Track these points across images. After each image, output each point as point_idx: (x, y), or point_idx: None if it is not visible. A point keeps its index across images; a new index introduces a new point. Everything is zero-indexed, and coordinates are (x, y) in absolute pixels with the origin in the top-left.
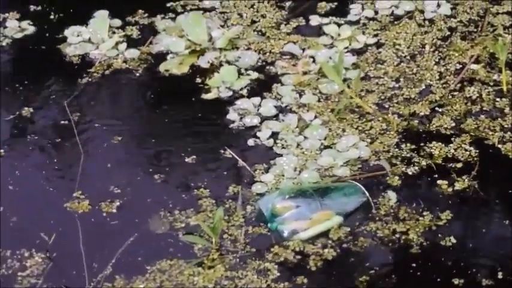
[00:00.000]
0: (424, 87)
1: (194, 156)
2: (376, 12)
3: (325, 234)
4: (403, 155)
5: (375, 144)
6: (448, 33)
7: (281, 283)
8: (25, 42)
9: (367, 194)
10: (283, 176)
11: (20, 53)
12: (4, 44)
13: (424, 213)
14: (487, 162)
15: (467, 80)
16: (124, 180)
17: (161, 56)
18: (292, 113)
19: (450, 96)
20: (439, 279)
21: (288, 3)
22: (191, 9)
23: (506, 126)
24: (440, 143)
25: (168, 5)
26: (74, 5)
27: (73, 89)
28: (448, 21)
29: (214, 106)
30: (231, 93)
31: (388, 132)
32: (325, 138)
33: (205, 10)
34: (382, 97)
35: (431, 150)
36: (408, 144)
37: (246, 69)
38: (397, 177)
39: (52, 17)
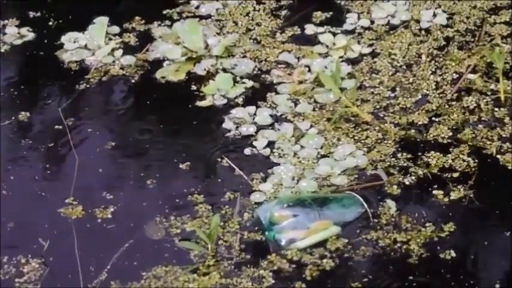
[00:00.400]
0: (420, 96)
1: (189, 164)
2: (372, 22)
3: (322, 243)
4: (400, 164)
5: (372, 153)
6: (444, 43)
7: None
8: (24, 48)
9: (366, 205)
10: (281, 185)
11: (18, 59)
12: (3, 50)
13: (426, 224)
14: (485, 172)
15: (464, 89)
16: (119, 186)
17: (157, 63)
18: (287, 122)
19: (447, 106)
20: None
21: (283, 12)
22: (187, 17)
23: (504, 136)
24: (437, 153)
25: (165, 12)
26: (74, 11)
27: (69, 95)
28: (445, 31)
29: (209, 114)
30: (225, 101)
31: (385, 142)
32: (321, 147)
33: (201, 18)
34: (378, 106)
35: (429, 159)
36: (405, 154)
37: (242, 77)
38: (394, 187)
39: (51, 23)
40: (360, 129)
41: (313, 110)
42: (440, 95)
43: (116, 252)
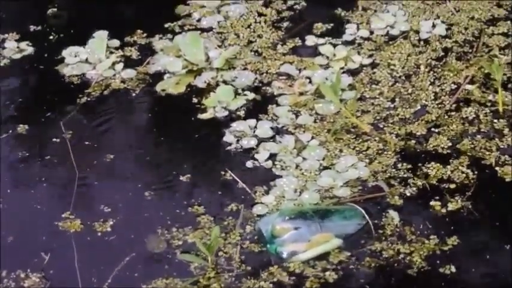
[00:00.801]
0: (419, 107)
1: (191, 176)
2: (372, 32)
3: (325, 256)
4: (401, 175)
5: (373, 164)
6: (443, 53)
7: None
8: (23, 62)
9: (368, 218)
10: (283, 197)
11: (17, 73)
12: (2, 64)
13: (430, 236)
14: (484, 183)
15: (463, 100)
16: (119, 199)
17: (158, 76)
18: (288, 134)
19: (446, 117)
20: None
21: (284, 24)
22: (189, 30)
23: (502, 147)
24: (438, 164)
25: (166, 25)
26: (74, 25)
27: (70, 108)
28: (443, 42)
29: (211, 127)
30: (227, 113)
31: (385, 153)
32: (323, 159)
33: (202, 30)
34: (378, 117)
35: (430, 171)
36: (406, 165)
37: (243, 89)
38: (396, 198)
39: (51, 37)
40: (360, 140)
41: (314, 121)
42: (439, 106)
43: (116, 265)
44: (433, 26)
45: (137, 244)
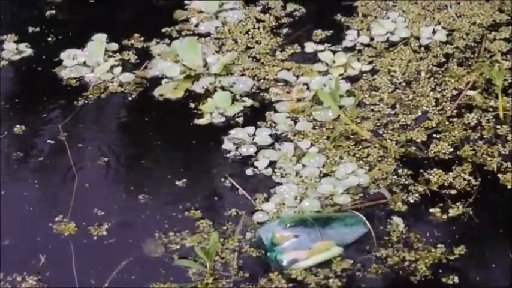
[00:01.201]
0: (420, 113)
1: (189, 183)
2: (372, 39)
3: (327, 263)
4: (402, 182)
5: (373, 171)
6: (444, 59)
7: None
8: (21, 64)
9: (369, 224)
10: (284, 204)
11: (15, 75)
12: (0, 66)
13: (432, 244)
14: (486, 190)
15: (464, 106)
16: (115, 202)
17: (156, 81)
18: (287, 141)
19: (447, 123)
20: None
21: (283, 30)
22: (187, 35)
23: (503, 152)
24: (440, 170)
25: (164, 30)
26: (73, 27)
27: (67, 111)
28: (444, 48)
29: (207, 133)
30: (224, 119)
31: (386, 159)
32: (323, 166)
33: (200, 35)
34: (378, 124)
35: (431, 177)
36: (407, 171)
37: (241, 95)
38: (398, 205)
39: (50, 39)
40: (360, 146)
41: (313, 128)
42: (440, 112)
43: (113, 270)
44: (434, 32)
45: (134, 248)
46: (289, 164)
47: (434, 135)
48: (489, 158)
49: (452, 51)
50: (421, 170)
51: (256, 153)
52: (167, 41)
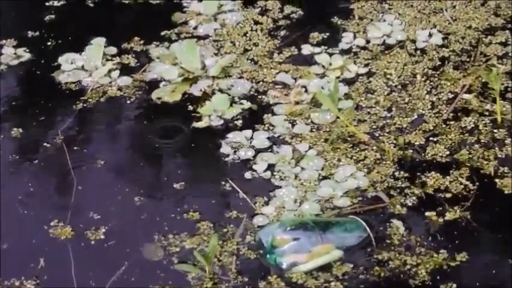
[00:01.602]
0: (416, 116)
1: (189, 186)
2: (368, 41)
3: (327, 266)
4: (400, 185)
5: (372, 174)
6: (440, 63)
7: None
8: (20, 69)
9: (368, 230)
10: (283, 208)
11: (14, 80)
12: None
13: (433, 249)
14: (483, 194)
15: (460, 109)
16: (113, 205)
17: (154, 84)
18: (286, 144)
19: (444, 126)
20: None
21: (281, 33)
22: (185, 37)
23: (500, 156)
24: (437, 174)
25: (163, 33)
26: (72, 31)
27: (66, 116)
28: (440, 51)
29: (206, 136)
30: (222, 121)
31: (384, 162)
32: (322, 169)
33: (199, 38)
34: (374, 126)
35: (429, 180)
36: (405, 175)
37: (239, 98)
38: (397, 209)
39: (49, 43)
40: (358, 149)
41: (311, 130)
42: (436, 115)
43: (111, 273)
44: (430, 35)
45: (132, 252)
46: (288, 167)
47: (431, 138)
48: (485, 162)
49: (448, 55)
50: (419, 173)
51: (254, 156)
52: (166, 44)
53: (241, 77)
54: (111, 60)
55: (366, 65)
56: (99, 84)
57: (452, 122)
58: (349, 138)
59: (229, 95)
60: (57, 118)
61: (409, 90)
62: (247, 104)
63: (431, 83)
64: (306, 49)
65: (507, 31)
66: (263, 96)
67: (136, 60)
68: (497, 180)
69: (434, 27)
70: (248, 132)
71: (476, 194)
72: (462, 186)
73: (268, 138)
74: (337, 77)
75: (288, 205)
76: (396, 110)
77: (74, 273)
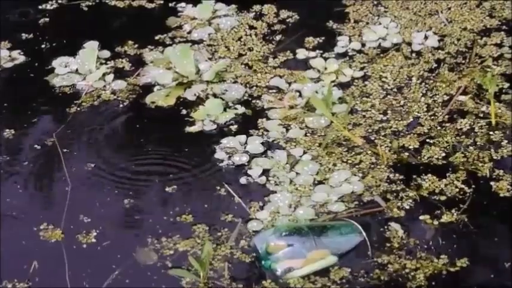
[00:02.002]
0: (412, 119)
1: (183, 190)
2: (363, 45)
3: (324, 271)
4: (396, 189)
5: (367, 178)
6: (436, 65)
7: None
8: (14, 71)
9: (364, 234)
10: (278, 213)
11: (8, 82)
12: None
13: (441, 255)
14: (479, 197)
15: (456, 111)
16: (104, 209)
17: (148, 88)
18: (280, 149)
19: (439, 128)
20: None
21: (276, 37)
22: (179, 42)
23: (495, 158)
24: (433, 176)
25: (157, 37)
26: (67, 34)
27: (59, 119)
28: (436, 53)
29: (199, 140)
30: (215, 126)
31: (378, 166)
32: (317, 174)
33: (193, 42)
34: (370, 130)
35: (424, 184)
36: (400, 178)
37: (233, 103)
38: (394, 213)
39: (44, 46)
40: (353, 153)
41: (305, 135)
42: (432, 117)
43: (105, 277)
44: (425, 37)
45: (125, 256)
46: (283, 172)
47: (427, 140)
48: (480, 164)
49: (443, 57)
50: (415, 176)
51: (249, 161)
52: (160, 48)
53: (235, 82)
54: (105, 63)
55: (362, 69)
56: (93, 87)
57: (447, 124)
58: (343, 142)
59: (223, 99)
60: (51, 121)
61: (404, 93)
62: (241, 109)
63: (427, 86)
64: (301, 53)
65: (502, 32)
66: (257, 101)
67: (130, 64)
68: (492, 183)
69: (429, 30)
70: (242, 138)
71: (473, 196)
72: (458, 189)
73: (262, 143)
74: (333, 81)
75: (283, 210)
76: (392, 113)
77: (68, 277)
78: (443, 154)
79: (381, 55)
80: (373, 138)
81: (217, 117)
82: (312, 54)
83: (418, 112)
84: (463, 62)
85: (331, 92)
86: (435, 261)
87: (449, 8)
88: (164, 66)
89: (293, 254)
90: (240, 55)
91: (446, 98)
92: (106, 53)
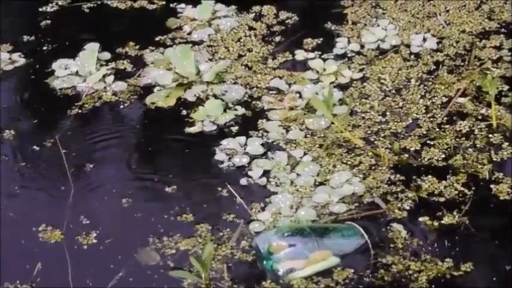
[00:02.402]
0: (410, 121)
1: (184, 192)
2: (362, 46)
3: (326, 272)
4: (396, 190)
5: (368, 179)
6: (434, 67)
7: None
8: (15, 74)
9: (366, 237)
10: (279, 214)
11: (9, 85)
12: None
13: (446, 259)
14: (479, 198)
15: (455, 113)
16: (105, 210)
17: (149, 89)
18: (280, 150)
19: (438, 129)
20: None
21: (276, 38)
22: (180, 43)
23: (495, 159)
24: (433, 178)
25: (157, 38)
26: (68, 36)
27: (61, 120)
28: (435, 55)
29: (200, 141)
30: (215, 127)
31: (379, 168)
32: (317, 175)
33: (193, 43)
34: (369, 131)
35: (424, 185)
36: (401, 180)
37: (233, 103)
38: (394, 215)
39: (45, 48)
40: (353, 154)
41: (305, 136)
42: (431, 119)
43: (108, 278)
44: (424, 39)
45: (127, 257)
46: (284, 173)
47: (426, 142)
48: (479, 166)
49: (442, 59)
50: (414, 179)
51: (249, 163)
52: (161, 49)
53: (235, 83)
54: (106, 65)
55: (361, 70)
56: (94, 89)
57: (447, 126)
58: (344, 144)
59: (223, 100)
60: (52, 123)
61: (403, 95)
62: (241, 110)
63: (426, 87)
64: (300, 55)
65: (501, 35)
66: (257, 102)
67: (131, 65)
68: (492, 186)
69: (428, 32)
70: (242, 139)
71: (473, 198)
72: (457, 191)
73: (262, 144)
74: (332, 83)
75: (284, 211)
76: (391, 114)
77: (71, 278)
78: (444, 156)
79: (380, 57)
80: (372, 140)
81: (217, 118)
82: (311, 55)
83: (416, 114)
84: (462, 64)
85: (331, 93)
86: (439, 265)
87: (448, 11)
88: (164, 67)
89: (295, 255)
90: (240, 56)
91: (445, 100)
92: (106, 55)
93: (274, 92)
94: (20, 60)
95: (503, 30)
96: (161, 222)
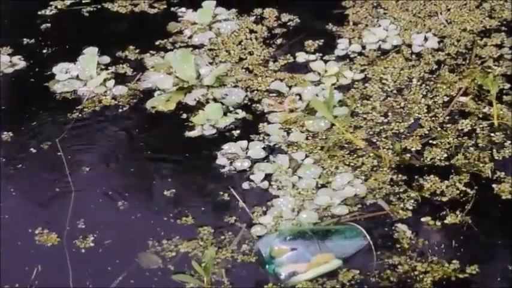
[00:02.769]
0: (412, 121)
1: (185, 196)
2: (364, 47)
3: (328, 274)
4: (399, 191)
5: (369, 181)
6: (436, 66)
7: None
8: (15, 77)
9: (368, 237)
10: (281, 217)
11: (8, 88)
12: None
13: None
14: (482, 198)
15: (456, 112)
16: (104, 213)
17: (149, 93)
18: (281, 153)
19: (439, 129)
20: None
21: (276, 41)
22: (180, 47)
23: (497, 158)
24: (436, 178)
25: (157, 42)
26: (68, 40)
27: (61, 124)
28: (436, 55)
29: (200, 145)
30: (215, 131)
31: (381, 169)
32: (319, 177)
33: (194, 47)
34: (371, 132)
35: (427, 186)
36: (403, 181)
37: (234, 107)
38: (398, 216)
39: (45, 51)
40: (355, 155)
41: (306, 138)
42: (433, 119)
43: (108, 282)
44: (425, 39)
45: (128, 261)
46: (285, 176)
47: (428, 141)
48: (481, 165)
49: (444, 58)
50: (417, 179)
51: (251, 167)
52: (161, 53)
53: (236, 86)
54: (106, 69)
55: (362, 71)
56: (94, 93)
57: (449, 125)
58: (345, 145)
59: (223, 104)
60: (53, 127)
61: (405, 95)
62: (241, 113)
63: (427, 87)
64: (301, 57)
65: (502, 33)
66: (257, 105)
67: (131, 70)
68: (494, 185)
69: (429, 31)
70: (244, 143)
71: (476, 198)
72: (459, 191)
73: (263, 148)
74: (333, 84)
75: (286, 214)
76: (392, 115)
77: (72, 281)
78: (446, 155)
79: (381, 57)
80: (374, 141)
81: (217, 122)
82: (312, 57)
83: (418, 113)
84: (463, 63)
85: (332, 94)
86: (446, 266)
87: (449, 9)
88: (165, 71)
89: (297, 258)
90: (241, 59)
91: (446, 99)
92: (106, 59)
93: (275, 94)
94: (20, 63)
95: (504, 28)
96: (161, 225)
